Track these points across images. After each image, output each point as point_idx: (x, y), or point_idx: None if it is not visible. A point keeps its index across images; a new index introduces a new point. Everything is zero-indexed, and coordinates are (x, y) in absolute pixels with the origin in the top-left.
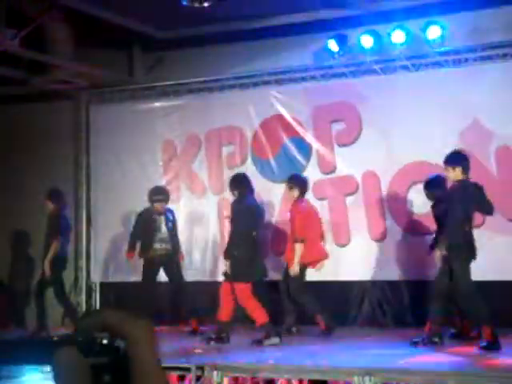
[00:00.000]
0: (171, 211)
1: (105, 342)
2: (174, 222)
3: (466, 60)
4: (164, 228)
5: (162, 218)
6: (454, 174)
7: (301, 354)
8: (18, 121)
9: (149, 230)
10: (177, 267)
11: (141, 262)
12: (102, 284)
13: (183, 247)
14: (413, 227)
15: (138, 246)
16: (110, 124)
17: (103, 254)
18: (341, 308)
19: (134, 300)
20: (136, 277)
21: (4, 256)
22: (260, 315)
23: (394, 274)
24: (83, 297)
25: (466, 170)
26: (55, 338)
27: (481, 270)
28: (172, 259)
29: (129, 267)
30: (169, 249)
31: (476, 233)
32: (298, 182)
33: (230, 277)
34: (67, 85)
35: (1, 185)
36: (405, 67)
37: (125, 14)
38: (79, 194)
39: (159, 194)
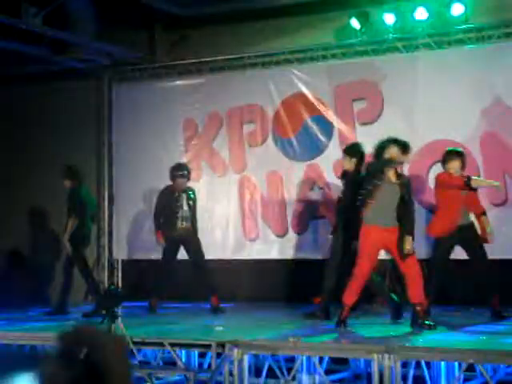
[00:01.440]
0: (192, 189)
1: (82, 356)
2: (194, 200)
3: (490, 37)
4: (186, 205)
5: (184, 195)
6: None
7: (321, 332)
8: (42, 99)
9: (171, 207)
10: (197, 245)
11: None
12: (123, 261)
13: (205, 225)
14: (433, 205)
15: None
16: (131, 102)
17: (125, 232)
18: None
19: (156, 277)
20: (158, 254)
21: (24, 230)
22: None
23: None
24: (105, 274)
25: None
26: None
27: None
28: (193, 237)
29: (151, 244)
30: (189, 226)
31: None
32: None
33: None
34: (89, 63)
35: (23, 160)
36: (427, 45)
37: None
38: (101, 171)
39: (181, 170)
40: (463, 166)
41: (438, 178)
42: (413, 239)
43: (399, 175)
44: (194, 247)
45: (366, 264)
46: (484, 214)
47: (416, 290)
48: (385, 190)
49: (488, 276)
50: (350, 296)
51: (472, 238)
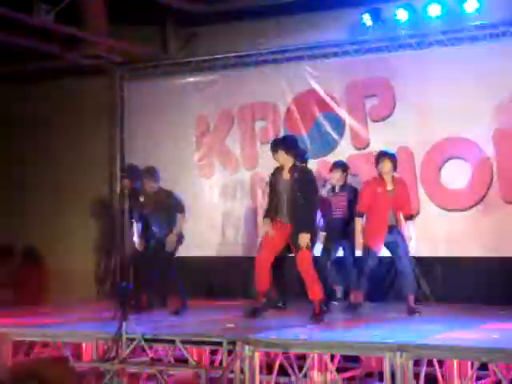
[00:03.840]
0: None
1: None
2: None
3: (504, 34)
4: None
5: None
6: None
7: (332, 330)
8: (54, 95)
9: None
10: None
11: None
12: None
13: (216, 223)
14: (446, 203)
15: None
16: (143, 99)
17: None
18: (374, 283)
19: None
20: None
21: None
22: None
23: (426, 250)
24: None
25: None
26: None
27: None
28: None
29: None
30: None
31: None
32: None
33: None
34: (101, 60)
35: (34, 160)
36: (440, 41)
37: None
38: (113, 169)
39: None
40: (395, 168)
41: (364, 183)
42: (312, 235)
43: (294, 172)
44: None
45: (263, 254)
46: (410, 218)
47: (309, 289)
48: (282, 187)
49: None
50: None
51: (395, 241)
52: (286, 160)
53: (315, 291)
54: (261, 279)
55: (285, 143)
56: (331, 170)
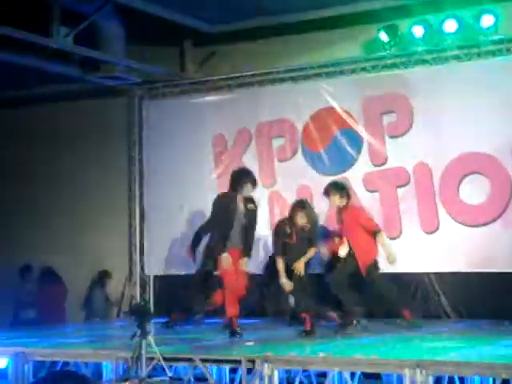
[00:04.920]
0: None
1: None
2: None
3: None
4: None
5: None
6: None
7: (351, 347)
8: (73, 118)
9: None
10: None
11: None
12: (155, 277)
13: None
14: (466, 218)
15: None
16: (161, 119)
17: (156, 248)
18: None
19: (186, 293)
20: (188, 270)
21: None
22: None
23: (446, 266)
24: (137, 290)
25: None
26: None
27: None
28: None
29: (181, 260)
30: None
31: None
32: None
33: None
34: (120, 81)
35: (54, 179)
36: (457, 57)
37: (176, 8)
38: (132, 188)
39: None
40: (344, 197)
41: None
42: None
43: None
44: None
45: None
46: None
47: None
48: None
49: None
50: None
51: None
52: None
53: (227, 310)
54: None
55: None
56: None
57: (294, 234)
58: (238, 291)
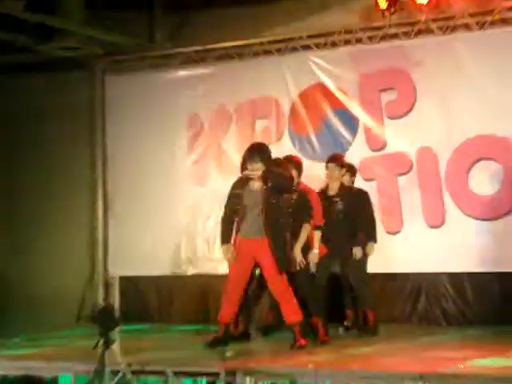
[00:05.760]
0: None
1: None
2: None
3: None
4: None
5: None
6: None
7: (345, 357)
8: (26, 92)
9: None
10: None
11: (163, 253)
12: (121, 278)
13: (211, 236)
14: (477, 211)
15: None
16: (128, 97)
17: (123, 245)
18: (392, 305)
19: (157, 296)
20: (161, 270)
21: None
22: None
23: (453, 265)
24: (100, 293)
25: None
26: None
27: None
28: None
29: (153, 259)
30: None
31: None
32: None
33: None
34: (79, 52)
35: (10, 158)
36: (467, 26)
37: None
38: (94, 175)
39: None
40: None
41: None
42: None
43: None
44: None
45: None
46: None
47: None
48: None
49: None
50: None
51: None
52: None
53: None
54: None
55: None
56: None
57: None
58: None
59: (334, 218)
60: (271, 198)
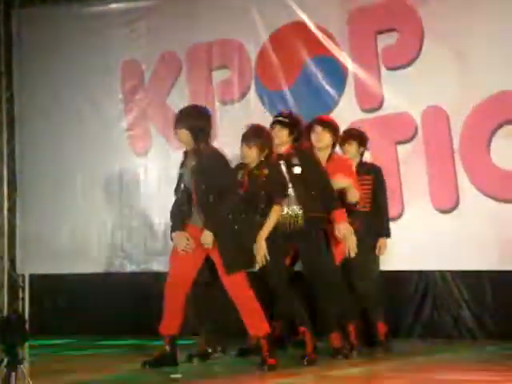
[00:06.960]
0: None
1: None
2: None
3: None
4: None
5: None
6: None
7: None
8: None
9: None
10: None
11: (91, 245)
12: (32, 278)
13: (156, 218)
14: (499, 191)
15: None
16: (41, 37)
17: (35, 236)
18: (391, 311)
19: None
20: (85, 267)
21: None
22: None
23: (470, 261)
24: (5, 295)
25: None
26: None
27: None
28: None
29: (76, 253)
30: None
31: None
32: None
33: None
34: None
35: None
36: None
37: None
38: None
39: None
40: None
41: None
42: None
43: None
44: None
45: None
46: None
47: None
48: None
49: None
50: None
51: None
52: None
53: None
54: None
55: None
56: (342, 143)
57: None
58: None
59: None
60: (200, 183)
